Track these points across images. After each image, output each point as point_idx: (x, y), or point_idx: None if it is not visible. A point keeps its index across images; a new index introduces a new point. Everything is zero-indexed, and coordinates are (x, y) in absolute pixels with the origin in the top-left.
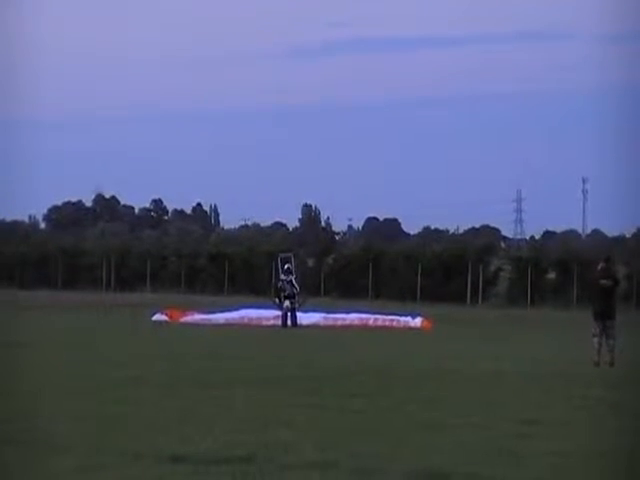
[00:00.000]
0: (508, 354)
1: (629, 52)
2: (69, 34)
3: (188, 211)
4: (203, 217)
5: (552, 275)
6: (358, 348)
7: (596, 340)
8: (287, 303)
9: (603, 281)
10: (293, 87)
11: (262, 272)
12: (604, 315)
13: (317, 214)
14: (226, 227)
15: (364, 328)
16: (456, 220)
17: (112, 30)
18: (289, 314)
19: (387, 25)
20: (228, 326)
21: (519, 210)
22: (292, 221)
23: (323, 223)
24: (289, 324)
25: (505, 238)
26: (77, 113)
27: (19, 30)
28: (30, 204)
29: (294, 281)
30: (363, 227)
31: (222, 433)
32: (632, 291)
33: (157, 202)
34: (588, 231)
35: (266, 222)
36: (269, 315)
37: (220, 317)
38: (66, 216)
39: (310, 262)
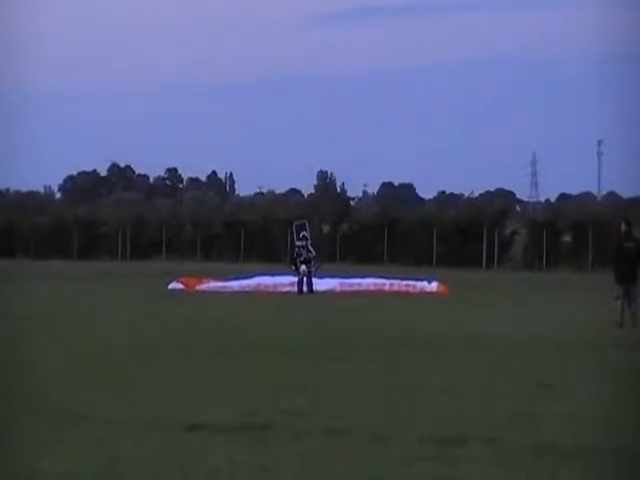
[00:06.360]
0: (526, 318)
1: None
2: (86, 5)
3: (203, 179)
4: (218, 185)
5: (567, 238)
6: (375, 314)
7: (619, 303)
8: (303, 267)
9: (627, 244)
10: (308, 56)
11: (278, 239)
12: (627, 278)
13: (332, 180)
14: (241, 194)
15: (380, 293)
16: (471, 184)
17: (128, 3)
18: (305, 280)
19: None
20: (244, 293)
21: (534, 173)
22: (307, 188)
23: (338, 189)
24: (305, 290)
25: (520, 201)
26: (91, 84)
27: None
28: (45, 174)
29: (309, 246)
30: (378, 192)
31: (238, 401)
32: None
33: (172, 171)
34: (603, 193)
35: (281, 189)
36: (285, 282)
37: (236, 284)
38: (81, 186)
39: (325, 228)
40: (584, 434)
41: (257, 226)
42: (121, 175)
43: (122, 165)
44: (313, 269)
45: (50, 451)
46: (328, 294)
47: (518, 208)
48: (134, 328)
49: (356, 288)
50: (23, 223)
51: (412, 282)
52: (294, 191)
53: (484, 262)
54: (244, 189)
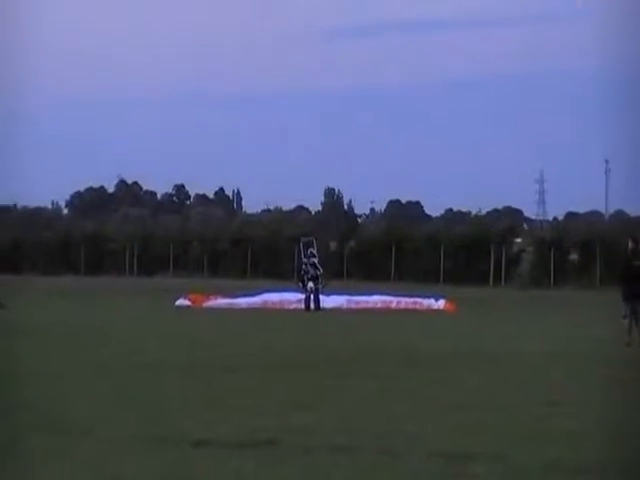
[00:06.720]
0: (532, 335)
1: None
2: (94, 19)
3: (210, 196)
4: (225, 202)
5: (575, 256)
6: (382, 331)
7: (627, 321)
8: (311, 284)
9: (635, 262)
10: (315, 72)
11: (284, 256)
12: (635, 296)
13: (339, 197)
14: (248, 211)
15: (387, 311)
16: (478, 202)
17: (140, 13)
18: (312, 297)
19: (410, 8)
20: (251, 310)
21: (542, 191)
22: (315, 205)
23: (345, 206)
24: (312, 307)
25: (527, 219)
26: (100, 99)
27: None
28: (53, 190)
29: (317, 263)
30: (385, 210)
31: (245, 417)
32: None
33: (179, 187)
34: (611, 212)
35: (288, 206)
36: (292, 299)
37: (243, 301)
38: (89, 202)
39: (333, 245)
40: (591, 451)
41: (264, 243)
42: (128, 191)
43: (129, 181)
44: (320, 286)
45: (55, 466)
46: (335, 311)
47: (525, 226)
48: (141, 344)
49: (363, 305)
50: (30, 239)
51: (419, 299)
52: (301, 208)
53: (491, 279)
54: (251, 206)
